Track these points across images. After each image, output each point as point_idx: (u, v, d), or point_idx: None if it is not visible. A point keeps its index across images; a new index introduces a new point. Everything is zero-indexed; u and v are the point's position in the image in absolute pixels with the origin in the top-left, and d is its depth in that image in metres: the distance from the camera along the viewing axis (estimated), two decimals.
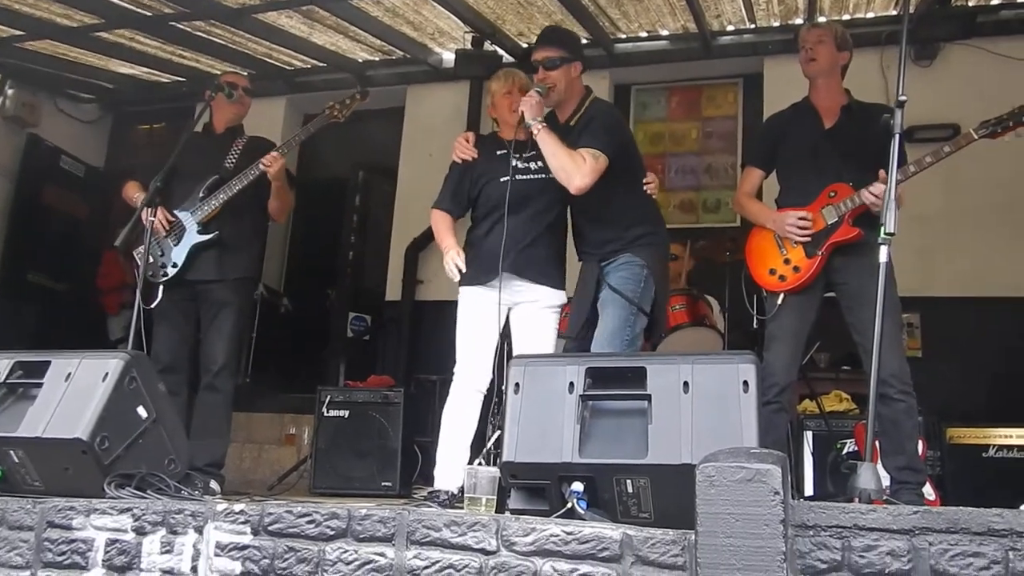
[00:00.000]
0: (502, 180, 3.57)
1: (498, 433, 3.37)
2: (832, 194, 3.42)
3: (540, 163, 3.49)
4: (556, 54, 3.52)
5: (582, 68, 3.61)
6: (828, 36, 3.52)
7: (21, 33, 5.87)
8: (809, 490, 4.20)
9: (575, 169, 3.29)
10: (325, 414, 4.84)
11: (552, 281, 3.60)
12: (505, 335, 3.64)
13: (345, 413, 4.83)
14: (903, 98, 2.75)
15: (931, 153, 3.31)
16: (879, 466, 3.52)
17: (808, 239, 3.43)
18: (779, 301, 3.46)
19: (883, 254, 2.69)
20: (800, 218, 3.44)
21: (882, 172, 3.25)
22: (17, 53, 6.16)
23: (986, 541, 1.83)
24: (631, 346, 3.33)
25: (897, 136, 2.73)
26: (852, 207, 3.36)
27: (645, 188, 3.60)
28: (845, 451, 4.16)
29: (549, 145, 3.34)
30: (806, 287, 3.43)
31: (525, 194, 3.53)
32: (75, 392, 2.78)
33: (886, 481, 3.24)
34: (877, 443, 3.73)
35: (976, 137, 3.31)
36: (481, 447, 3.70)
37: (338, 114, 4.07)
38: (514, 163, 3.56)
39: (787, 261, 3.47)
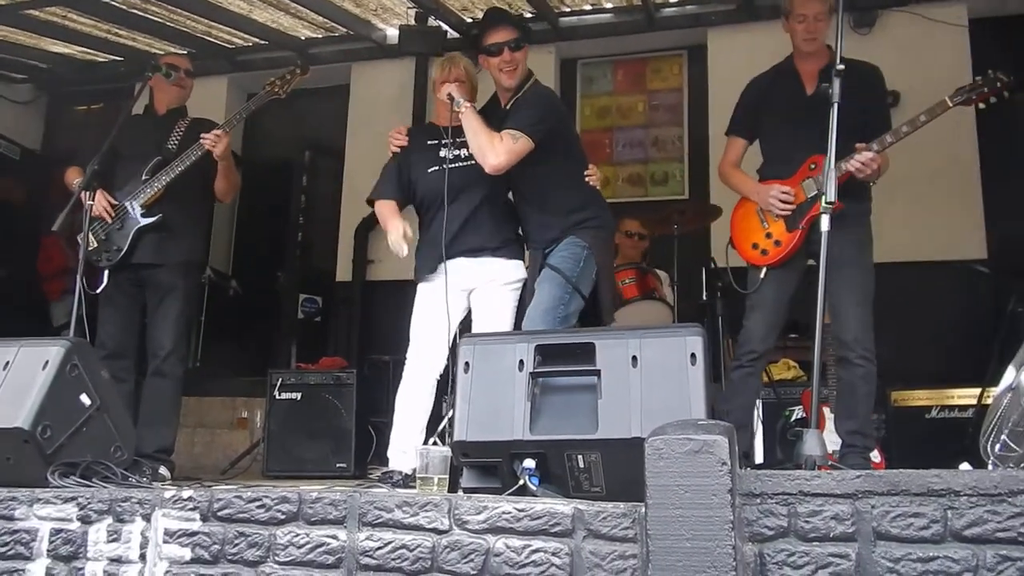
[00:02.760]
0: (429, 172, 3.57)
1: (451, 412, 3.37)
2: (812, 166, 3.38)
3: (469, 150, 3.46)
4: (519, 35, 3.50)
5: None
6: (824, 11, 3.45)
7: None
8: (760, 458, 4.27)
9: (489, 148, 3.28)
10: (277, 397, 4.80)
11: (505, 251, 3.57)
12: (466, 320, 3.61)
13: (297, 396, 4.79)
14: (840, 67, 2.78)
15: (907, 123, 3.30)
16: (825, 432, 3.62)
17: (789, 213, 3.42)
18: (761, 275, 3.46)
19: (824, 222, 2.74)
20: (782, 192, 3.42)
21: (859, 144, 3.26)
22: None
23: (925, 501, 1.88)
24: (563, 325, 3.29)
25: (835, 106, 2.77)
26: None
27: (587, 179, 3.57)
28: (793, 418, 4.23)
29: (471, 125, 3.34)
30: (787, 260, 3.43)
31: (456, 184, 3.47)
32: (14, 381, 2.73)
33: (833, 446, 3.31)
34: (825, 409, 3.85)
35: (951, 104, 3.30)
36: (436, 427, 3.70)
37: (279, 90, 3.99)
38: (443, 153, 3.55)
39: (769, 235, 3.47)
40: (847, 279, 3.29)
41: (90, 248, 3.82)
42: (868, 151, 3.25)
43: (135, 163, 3.99)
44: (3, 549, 2.41)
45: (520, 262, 3.62)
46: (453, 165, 3.50)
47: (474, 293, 3.57)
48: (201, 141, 3.87)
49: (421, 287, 3.60)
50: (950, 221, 5.29)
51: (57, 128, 7.49)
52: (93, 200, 3.75)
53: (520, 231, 3.69)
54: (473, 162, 3.43)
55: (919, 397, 4.38)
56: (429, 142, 3.65)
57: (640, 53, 6.47)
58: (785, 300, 3.49)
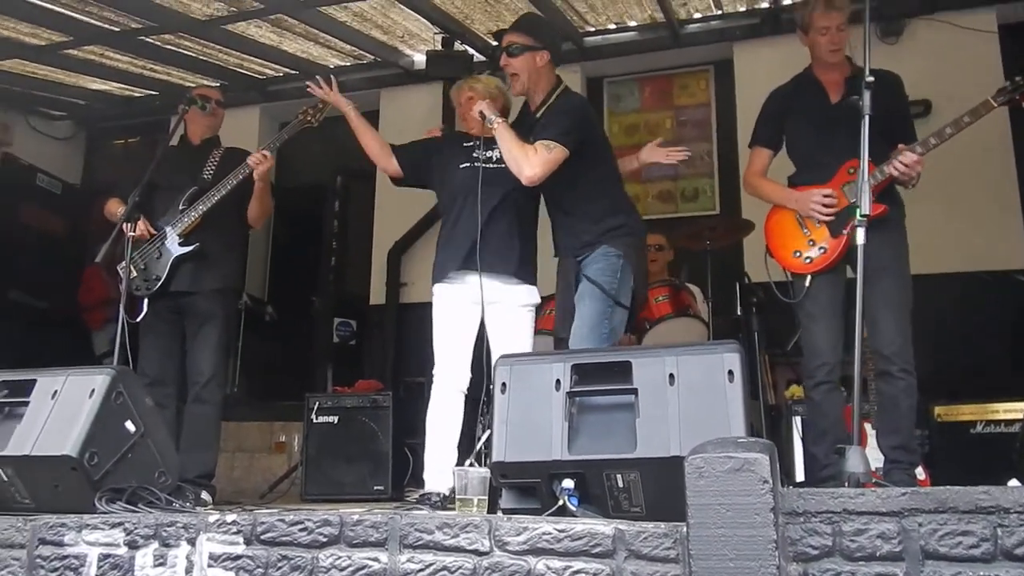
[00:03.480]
0: (461, 167, 3.62)
1: (488, 433, 3.38)
2: (851, 170, 3.24)
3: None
4: (521, 41, 3.54)
5: (549, 58, 3.60)
6: (845, 21, 3.40)
7: None
8: (800, 476, 4.21)
9: (524, 159, 3.32)
10: (314, 421, 4.83)
11: (525, 279, 3.62)
12: (484, 335, 3.64)
13: (334, 419, 4.82)
14: (870, 79, 2.76)
15: (951, 123, 3.23)
16: (868, 449, 3.56)
17: (833, 218, 3.33)
18: (807, 283, 3.37)
19: (860, 236, 2.71)
20: (825, 195, 3.33)
21: (901, 146, 3.22)
22: None
23: (974, 519, 1.84)
24: (609, 340, 3.31)
25: (866, 118, 2.74)
26: (875, 183, 3.18)
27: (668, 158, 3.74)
28: None
29: (504, 138, 3.40)
30: (833, 267, 3.35)
31: (488, 182, 3.53)
32: (62, 409, 2.77)
33: (875, 463, 3.26)
34: (867, 425, 3.78)
35: (995, 105, 3.23)
36: (472, 447, 3.70)
37: (311, 119, 4.08)
38: (477, 153, 3.63)
39: (812, 242, 3.38)
40: (885, 289, 3.23)
41: (130, 278, 3.89)
42: (911, 153, 3.18)
43: (172, 193, 4.08)
44: (53, 575, 2.44)
45: (534, 288, 3.66)
46: (486, 166, 3.57)
47: (489, 310, 3.59)
48: (248, 161, 3.96)
49: (440, 290, 3.63)
50: (988, 229, 5.19)
51: (96, 162, 7.66)
52: (135, 231, 3.82)
53: (534, 255, 3.73)
54: (504, 165, 3.48)
55: (963, 412, 4.27)
56: (464, 144, 3.73)
57: (666, 70, 6.48)
58: (840, 304, 3.36)
